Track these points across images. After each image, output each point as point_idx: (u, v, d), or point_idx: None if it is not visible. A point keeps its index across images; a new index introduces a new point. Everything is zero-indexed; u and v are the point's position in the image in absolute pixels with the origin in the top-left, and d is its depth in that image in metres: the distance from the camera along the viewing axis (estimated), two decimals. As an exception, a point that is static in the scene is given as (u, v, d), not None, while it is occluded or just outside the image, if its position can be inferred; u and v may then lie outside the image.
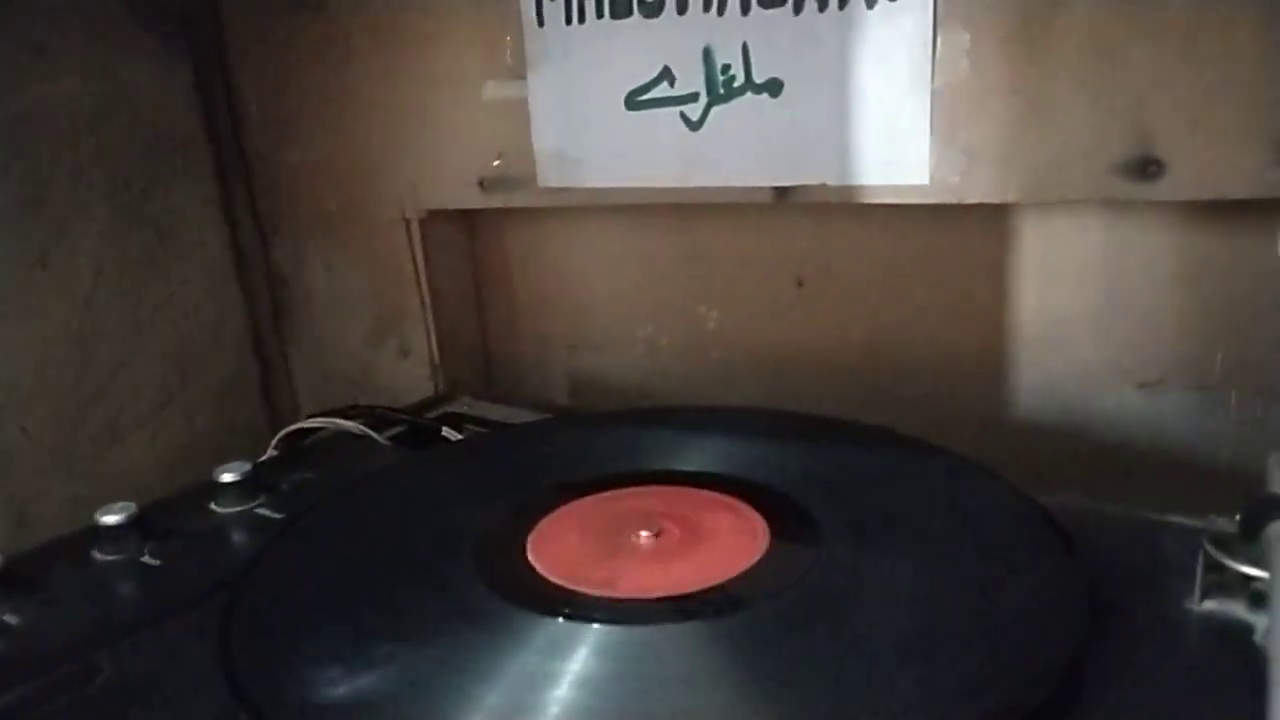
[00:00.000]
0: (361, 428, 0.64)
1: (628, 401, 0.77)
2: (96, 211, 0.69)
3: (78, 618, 0.43)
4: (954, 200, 0.56)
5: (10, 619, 0.43)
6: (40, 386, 0.66)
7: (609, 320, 0.78)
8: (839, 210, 0.64)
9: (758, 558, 0.41)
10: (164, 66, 0.73)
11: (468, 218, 0.80)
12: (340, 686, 0.34)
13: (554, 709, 0.33)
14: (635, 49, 0.61)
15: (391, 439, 0.63)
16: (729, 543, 0.42)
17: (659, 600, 0.38)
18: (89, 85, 0.68)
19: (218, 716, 0.34)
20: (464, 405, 0.71)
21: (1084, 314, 0.62)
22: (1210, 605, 0.38)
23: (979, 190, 0.55)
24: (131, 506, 0.49)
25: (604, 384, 0.79)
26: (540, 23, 0.64)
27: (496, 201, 0.70)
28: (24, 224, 0.65)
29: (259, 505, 0.53)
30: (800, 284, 0.70)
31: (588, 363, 0.80)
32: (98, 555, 0.48)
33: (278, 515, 0.52)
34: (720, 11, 0.58)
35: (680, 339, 0.76)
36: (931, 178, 0.56)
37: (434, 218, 0.75)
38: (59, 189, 0.67)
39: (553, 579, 0.40)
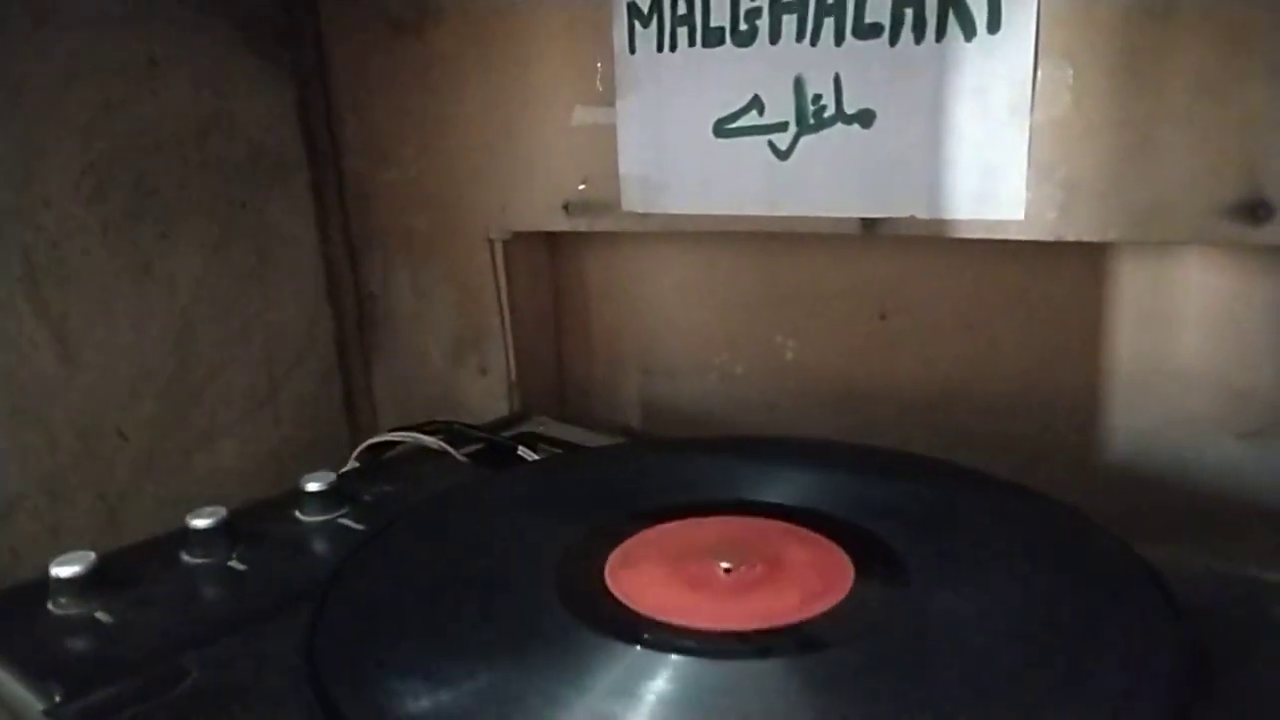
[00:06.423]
0: (440, 443, 0.65)
1: (699, 428, 0.76)
2: (199, 223, 0.71)
3: (167, 619, 0.44)
4: (1050, 237, 0.54)
5: (103, 616, 0.45)
6: (138, 390, 0.69)
7: (684, 346, 0.78)
8: (926, 244, 0.63)
9: (841, 597, 0.40)
10: (267, 87, 0.75)
11: (549, 241, 0.80)
12: (423, 699, 0.35)
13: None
14: (726, 77, 0.62)
15: (468, 455, 0.64)
16: (811, 579, 0.42)
17: (739, 634, 0.38)
18: (197, 101, 0.70)
19: (302, 725, 0.35)
20: (540, 425, 0.72)
21: (1182, 360, 0.60)
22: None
23: (1077, 228, 0.54)
24: (221, 511, 0.50)
25: (677, 410, 0.79)
26: (632, 50, 0.65)
27: (580, 225, 0.71)
28: (131, 231, 0.68)
29: (342, 515, 0.54)
30: (883, 317, 0.69)
31: (661, 388, 0.80)
32: (187, 558, 0.50)
33: (359, 526, 0.53)
34: (814, 42, 0.58)
35: (756, 368, 0.75)
36: (1027, 213, 0.54)
37: (517, 239, 0.76)
38: (165, 199, 0.69)
39: (632, 606, 0.40)
